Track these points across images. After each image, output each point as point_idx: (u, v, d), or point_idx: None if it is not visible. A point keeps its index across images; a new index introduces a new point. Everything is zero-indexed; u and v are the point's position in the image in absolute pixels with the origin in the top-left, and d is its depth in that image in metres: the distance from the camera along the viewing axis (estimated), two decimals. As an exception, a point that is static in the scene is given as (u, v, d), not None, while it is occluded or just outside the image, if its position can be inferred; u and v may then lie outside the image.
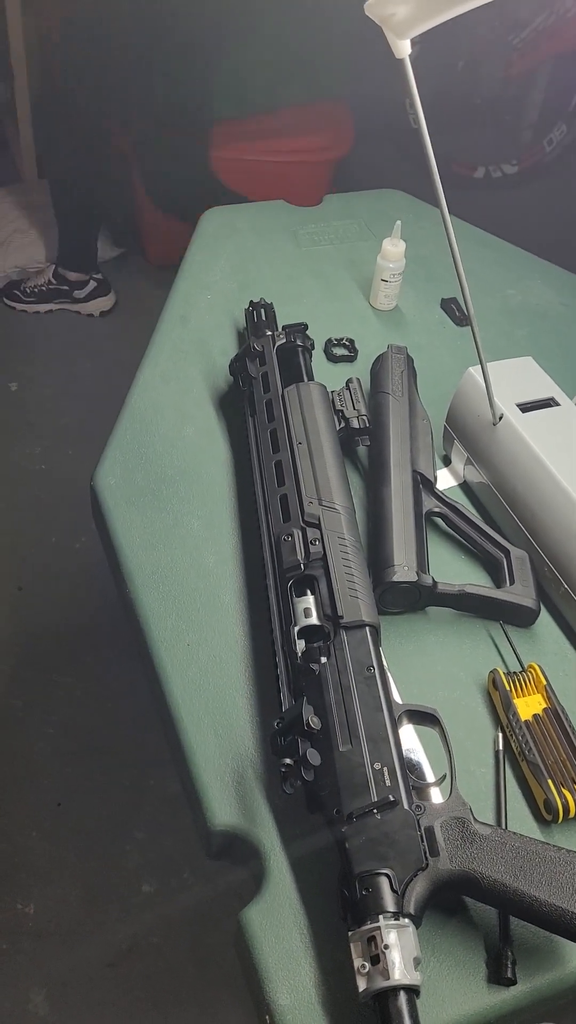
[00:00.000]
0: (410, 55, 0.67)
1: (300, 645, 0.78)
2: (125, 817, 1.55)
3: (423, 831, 0.66)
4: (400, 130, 2.88)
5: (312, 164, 2.35)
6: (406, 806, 0.67)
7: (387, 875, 0.64)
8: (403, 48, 0.63)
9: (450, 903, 0.68)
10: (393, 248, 1.14)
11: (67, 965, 1.39)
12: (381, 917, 0.62)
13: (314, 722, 0.70)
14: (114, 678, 1.69)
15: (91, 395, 2.18)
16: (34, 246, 2.42)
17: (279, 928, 0.67)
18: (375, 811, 0.66)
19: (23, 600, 1.81)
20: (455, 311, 1.20)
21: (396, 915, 0.62)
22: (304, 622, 0.79)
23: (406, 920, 0.62)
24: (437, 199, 0.80)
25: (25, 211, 2.51)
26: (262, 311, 1.09)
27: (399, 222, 1.13)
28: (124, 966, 1.39)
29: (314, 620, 0.78)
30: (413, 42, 0.66)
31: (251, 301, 1.10)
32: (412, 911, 0.63)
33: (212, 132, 2.27)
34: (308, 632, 0.78)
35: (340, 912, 0.65)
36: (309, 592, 0.81)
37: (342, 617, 0.77)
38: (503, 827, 0.73)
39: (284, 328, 1.05)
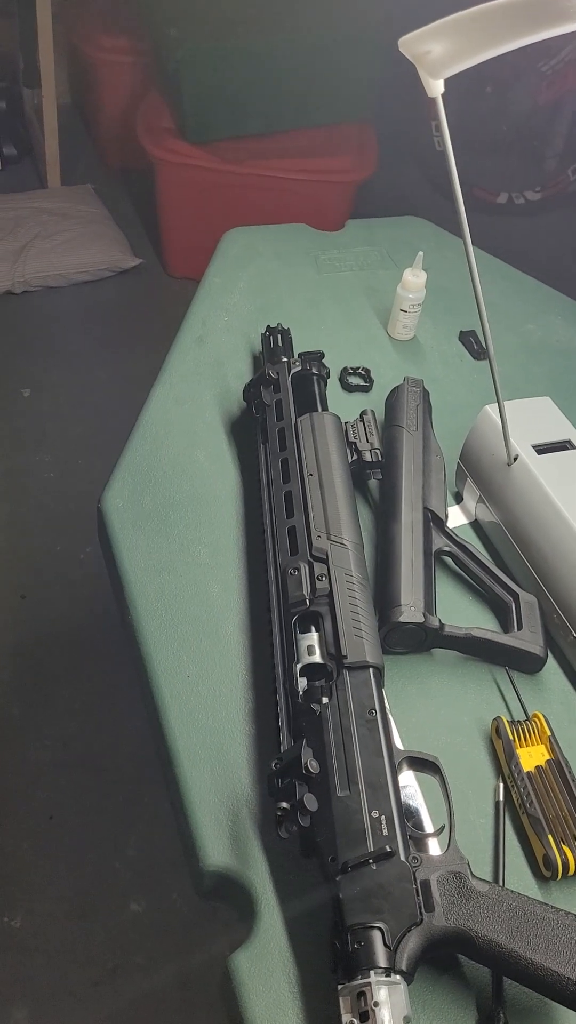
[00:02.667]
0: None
1: (302, 683, 0.76)
2: (117, 834, 1.53)
3: (419, 884, 0.65)
4: (425, 153, 2.89)
5: (335, 184, 2.35)
6: (403, 858, 0.65)
7: (380, 929, 0.62)
8: (436, 87, 0.62)
9: (443, 960, 0.66)
10: (414, 279, 1.13)
11: (51, 981, 1.38)
12: (372, 972, 0.61)
13: (313, 766, 0.68)
14: (114, 691, 1.68)
15: (104, 405, 2.17)
16: (55, 252, 2.42)
17: (267, 976, 0.66)
18: (371, 861, 0.65)
19: (26, 608, 1.80)
20: (473, 344, 1.19)
21: (388, 971, 0.61)
22: (307, 659, 0.77)
23: (397, 977, 0.61)
24: (462, 234, 0.79)
25: (47, 217, 2.51)
26: (279, 336, 1.08)
27: (421, 253, 1.13)
28: (108, 985, 1.38)
29: (317, 658, 0.77)
30: None
31: (268, 326, 1.10)
32: (404, 967, 0.62)
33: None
34: (310, 670, 0.77)
35: (330, 964, 0.64)
36: (313, 629, 0.80)
37: (346, 657, 0.76)
38: (501, 883, 0.71)
39: (300, 355, 1.04)
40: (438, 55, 0.60)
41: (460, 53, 0.59)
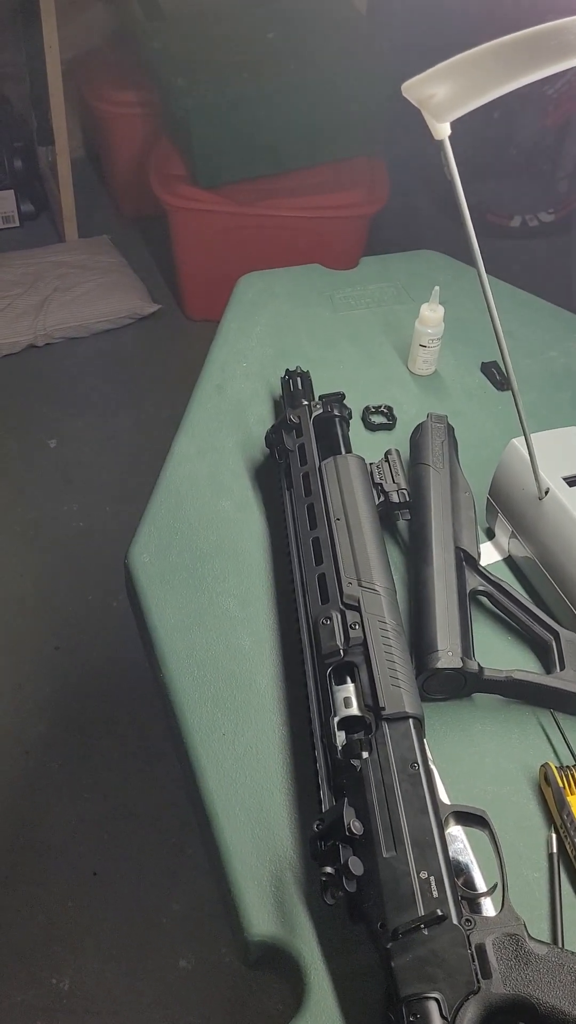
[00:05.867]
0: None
1: (340, 737, 0.74)
2: (162, 888, 1.51)
3: (473, 949, 0.62)
4: (436, 184, 2.89)
5: (348, 219, 2.36)
6: (455, 921, 0.63)
7: (436, 999, 0.60)
8: (443, 131, 0.61)
9: (504, 1029, 0.63)
10: (431, 314, 1.12)
11: (102, 1045, 1.35)
12: (430, 1047, 0.58)
13: (356, 827, 0.66)
14: (151, 740, 1.66)
15: (130, 452, 2.18)
16: (75, 304, 2.45)
17: (320, 1052, 0.63)
18: (422, 927, 0.62)
19: (60, 660, 1.80)
20: (496, 375, 1.18)
21: (446, 1044, 0.58)
22: (344, 712, 0.75)
23: (457, 1051, 0.58)
24: (477, 269, 0.77)
25: (66, 270, 2.54)
26: (298, 380, 1.07)
27: (437, 288, 1.11)
28: (161, 1049, 1.35)
29: (355, 711, 0.75)
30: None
31: (287, 369, 1.09)
32: (463, 1040, 0.59)
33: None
34: (348, 722, 0.75)
35: (386, 1037, 0.61)
36: (349, 679, 0.78)
37: (384, 708, 0.74)
38: (560, 943, 0.68)
39: (321, 397, 1.03)
40: (442, 98, 0.59)
41: (465, 95, 0.58)
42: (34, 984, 1.39)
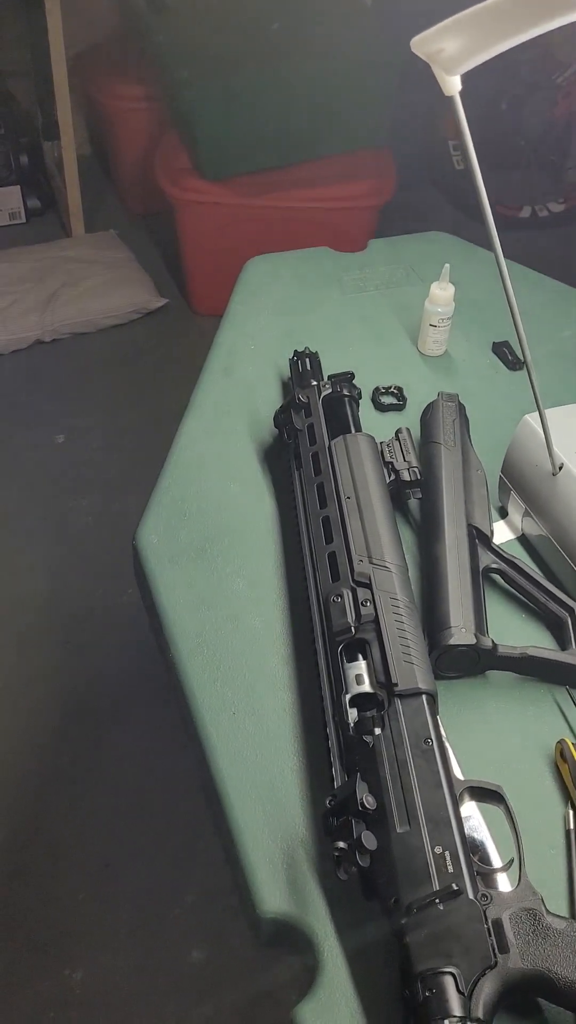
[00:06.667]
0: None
1: (352, 714, 0.73)
2: (174, 879, 1.50)
3: (490, 924, 0.61)
4: (443, 174, 2.88)
5: (355, 211, 2.34)
6: (471, 896, 0.61)
7: (452, 974, 0.58)
8: (453, 85, 0.60)
9: (522, 1005, 0.62)
10: (442, 292, 1.11)
11: (116, 1037, 1.34)
12: (447, 1022, 0.56)
13: (369, 802, 0.65)
14: (163, 734, 1.65)
15: (138, 447, 2.17)
16: (82, 299, 2.44)
17: (335, 1030, 0.62)
18: (437, 901, 0.61)
19: (71, 654, 1.79)
20: (507, 355, 1.16)
21: (463, 1019, 0.57)
22: (356, 690, 0.74)
23: (474, 1026, 0.57)
24: (489, 236, 0.76)
25: (73, 265, 2.54)
26: (307, 360, 1.06)
27: (447, 265, 1.10)
28: (174, 1041, 1.34)
29: (367, 687, 0.74)
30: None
31: (295, 350, 1.08)
32: (481, 1015, 0.57)
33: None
34: (360, 700, 0.74)
35: (401, 1013, 0.60)
36: (360, 657, 0.76)
37: (396, 684, 0.73)
38: (579, 918, 0.66)
39: (330, 377, 1.02)
40: (452, 51, 0.58)
41: (474, 47, 0.57)
42: (47, 976, 1.38)
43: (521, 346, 0.82)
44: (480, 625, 0.81)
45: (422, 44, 0.60)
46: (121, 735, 1.67)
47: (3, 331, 2.34)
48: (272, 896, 0.68)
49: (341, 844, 0.63)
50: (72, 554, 1.97)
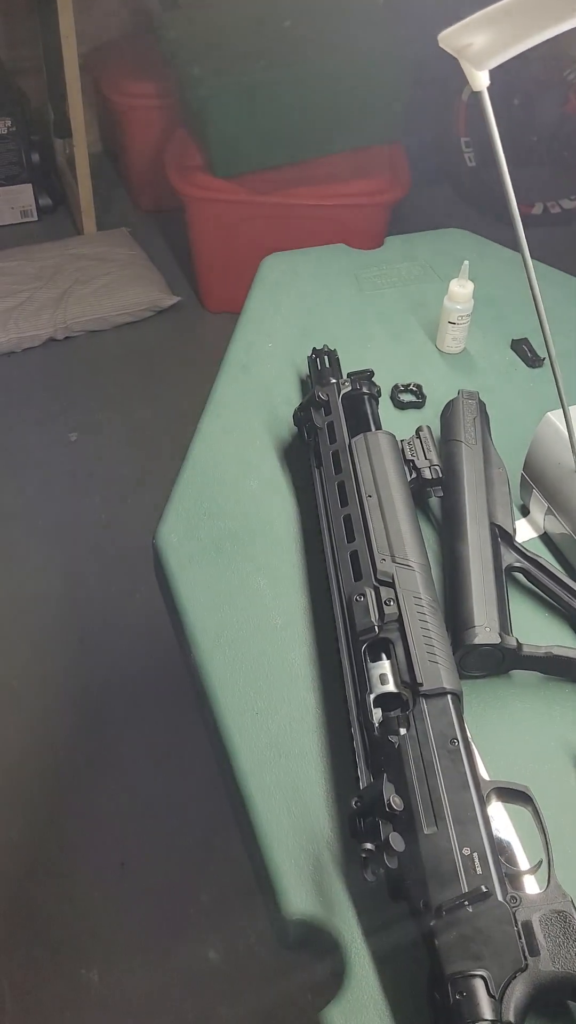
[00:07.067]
0: (466, 94, 0.63)
1: (377, 714, 0.72)
2: (189, 879, 1.50)
3: (520, 926, 0.60)
4: (457, 170, 2.87)
5: (369, 207, 2.34)
6: (500, 897, 0.61)
7: (483, 977, 0.58)
8: (481, 80, 0.59)
9: (553, 1008, 0.61)
10: (461, 289, 1.10)
11: (133, 1038, 1.34)
12: (477, 1025, 0.56)
13: (396, 803, 0.64)
14: (177, 733, 1.65)
15: (151, 445, 2.17)
16: (94, 296, 2.44)
17: (364, 1033, 0.61)
18: (466, 904, 0.60)
19: (85, 653, 1.79)
20: (527, 352, 1.15)
21: (494, 1023, 0.56)
22: (380, 689, 0.74)
23: (506, 1030, 0.56)
24: (515, 232, 0.75)
25: (85, 263, 2.54)
26: (326, 358, 1.06)
27: (467, 262, 1.09)
28: (191, 1041, 1.34)
29: (391, 687, 0.73)
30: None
31: (314, 348, 1.07)
32: (512, 1019, 0.57)
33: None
34: (385, 700, 0.73)
35: (431, 1017, 0.59)
36: (384, 657, 0.76)
37: (421, 684, 0.72)
38: (609, 921, 0.66)
39: (349, 375, 1.01)
40: (480, 47, 0.57)
41: (503, 42, 0.57)
42: (63, 976, 1.38)
43: (546, 342, 0.81)
44: (504, 624, 0.80)
45: (450, 39, 0.59)
46: (136, 734, 1.66)
47: (16, 329, 2.35)
48: (298, 899, 0.67)
49: (368, 846, 0.62)
50: (86, 553, 1.97)
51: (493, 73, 0.62)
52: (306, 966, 1.26)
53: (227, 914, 1.45)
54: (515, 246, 0.76)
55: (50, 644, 1.80)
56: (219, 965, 1.41)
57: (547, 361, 1.06)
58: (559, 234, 2.80)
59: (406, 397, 1.09)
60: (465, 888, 0.61)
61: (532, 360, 1.15)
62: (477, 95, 0.62)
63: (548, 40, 0.59)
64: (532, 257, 1.27)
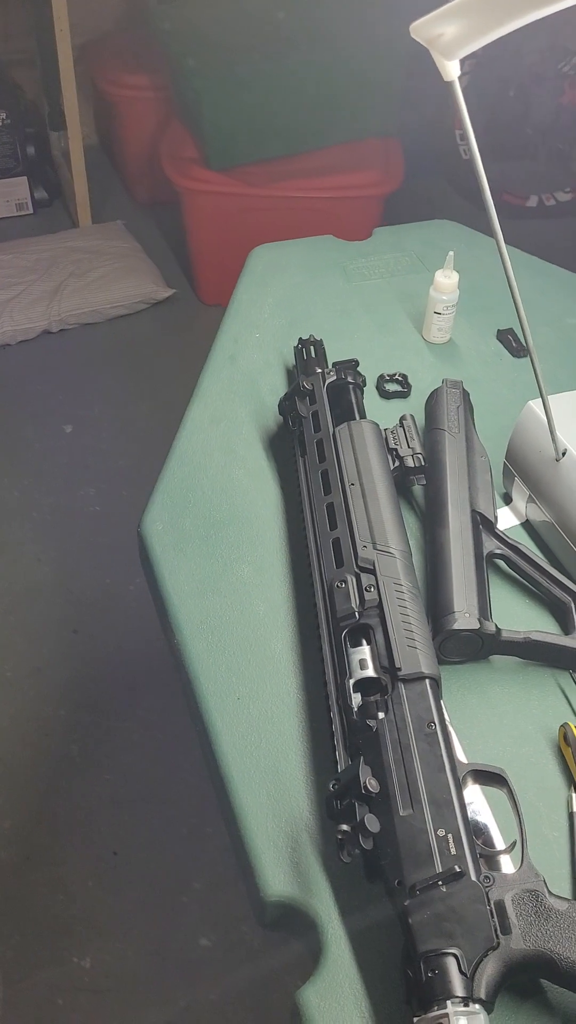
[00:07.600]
0: (462, 85, 0.64)
1: (356, 699, 0.73)
2: (182, 867, 1.51)
3: (492, 905, 0.61)
4: (450, 163, 2.87)
5: (362, 199, 2.34)
6: (473, 877, 0.62)
7: (455, 955, 0.59)
8: (452, 70, 0.60)
9: (524, 986, 0.62)
10: (446, 280, 1.11)
11: (124, 1023, 1.35)
12: (449, 1003, 0.57)
13: (372, 785, 0.65)
14: (170, 722, 1.66)
15: (145, 437, 2.18)
16: (89, 289, 2.44)
17: (339, 1011, 0.62)
18: (440, 883, 0.61)
19: (78, 643, 1.80)
20: (512, 342, 1.16)
21: (466, 1000, 0.57)
22: (360, 674, 0.74)
23: (477, 1006, 0.57)
24: (491, 224, 0.76)
25: (80, 255, 2.54)
26: (311, 348, 1.06)
27: (451, 253, 1.10)
28: (182, 1026, 1.35)
29: (370, 672, 0.74)
30: (463, 72, 0.64)
31: (300, 338, 1.08)
32: (483, 996, 0.58)
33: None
34: (364, 685, 0.74)
35: (404, 994, 0.60)
36: (364, 642, 0.77)
37: (400, 669, 0.73)
38: (581, 900, 0.67)
39: (334, 365, 1.02)
40: (451, 36, 0.58)
41: (472, 32, 0.57)
42: (56, 963, 1.39)
43: (523, 332, 0.82)
44: (484, 610, 0.81)
45: (421, 29, 0.60)
46: (129, 723, 1.68)
47: (10, 322, 2.35)
48: (276, 879, 0.68)
49: (344, 827, 0.63)
50: (81, 543, 1.97)
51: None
52: (297, 951, 1.27)
53: (219, 902, 1.47)
54: (505, 237, 0.76)
55: (44, 634, 1.81)
56: (211, 952, 1.42)
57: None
58: (554, 227, 2.80)
59: (391, 387, 1.10)
60: (439, 868, 0.62)
61: (517, 350, 1.15)
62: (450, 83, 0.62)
63: (543, 31, 0.59)
64: (525, 249, 1.28)
